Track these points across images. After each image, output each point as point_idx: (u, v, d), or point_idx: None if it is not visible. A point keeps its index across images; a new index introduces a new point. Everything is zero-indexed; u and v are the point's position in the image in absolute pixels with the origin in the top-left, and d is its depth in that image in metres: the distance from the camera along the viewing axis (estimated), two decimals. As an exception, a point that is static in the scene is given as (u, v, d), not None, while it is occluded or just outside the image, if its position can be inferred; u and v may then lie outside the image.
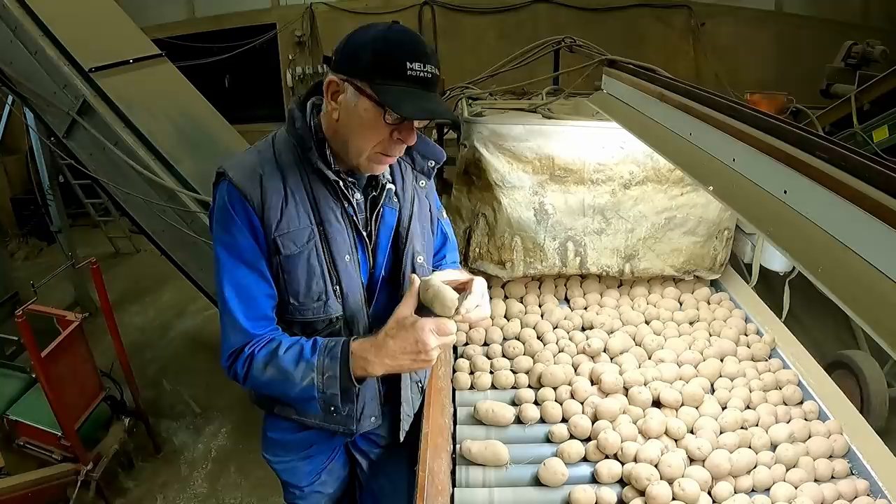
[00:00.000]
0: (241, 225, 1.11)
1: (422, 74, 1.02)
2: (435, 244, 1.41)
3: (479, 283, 1.19)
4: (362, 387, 1.24)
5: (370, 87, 1.02)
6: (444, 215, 1.46)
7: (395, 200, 1.25)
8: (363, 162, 1.11)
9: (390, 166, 1.24)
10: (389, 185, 1.23)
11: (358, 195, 1.20)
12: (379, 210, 1.22)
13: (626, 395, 1.63)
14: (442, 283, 1.14)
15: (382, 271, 1.26)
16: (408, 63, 1.01)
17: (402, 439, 1.42)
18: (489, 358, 1.82)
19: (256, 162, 1.13)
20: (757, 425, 1.56)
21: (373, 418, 1.38)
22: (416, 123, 1.10)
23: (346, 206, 1.18)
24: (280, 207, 1.12)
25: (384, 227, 1.24)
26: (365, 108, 1.04)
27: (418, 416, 1.46)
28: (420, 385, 1.48)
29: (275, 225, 1.11)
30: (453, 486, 1.39)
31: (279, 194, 1.12)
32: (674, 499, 1.32)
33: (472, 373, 1.77)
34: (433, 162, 1.31)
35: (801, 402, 1.67)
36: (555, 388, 1.67)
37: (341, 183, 1.16)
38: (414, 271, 1.27)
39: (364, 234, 1.22)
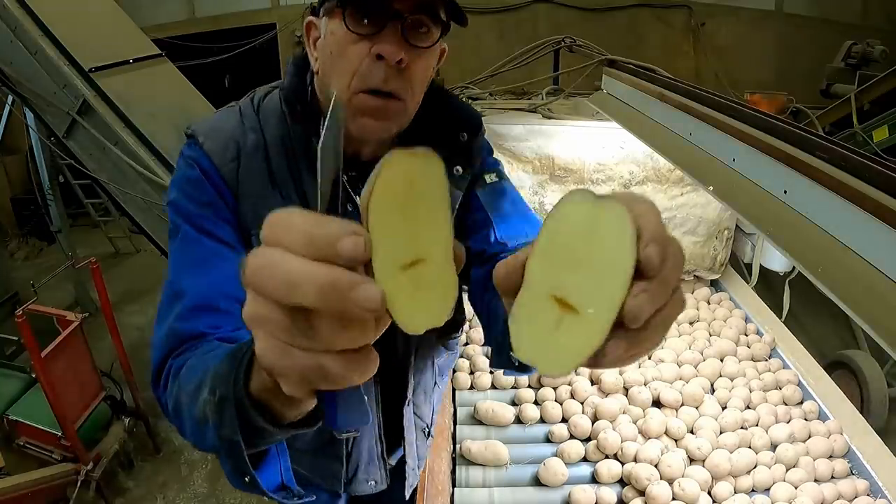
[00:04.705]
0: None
1: None
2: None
3: None
4: (355, 447, 0.97)
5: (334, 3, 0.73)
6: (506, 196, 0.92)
7: None
8: (350, 118, 0.75)
9: None
10: None
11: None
12: None
13: (626, 395, 1.63)
14: None
15: None
16: None
17: (407, 497, 1.17)
18: (489, 358, 1.82)
19: (237, 130, 0.82)
20: (757, 425, 1.56)
21: (373, 482, 1.07)
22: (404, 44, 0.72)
23: (350, 209, 0.80)
24: (260, 196, 0.81)
25: None
26: (332, 31, 0.74)
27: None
28: (427, 431, 1.15)
29: (251, 218, 0.80)
30: (453, 486, 1.39)
31: (261, 180, 0.81)
32: (674, 499, 1.32)
33: (472, 373, 1.77)
34: (465, 134, 0.88)
35: (801, 402, 1.67)
36: (555, 388, 1.67)
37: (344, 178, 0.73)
38: None
39: None
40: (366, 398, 0.42)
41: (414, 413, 1.07)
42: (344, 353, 0.34)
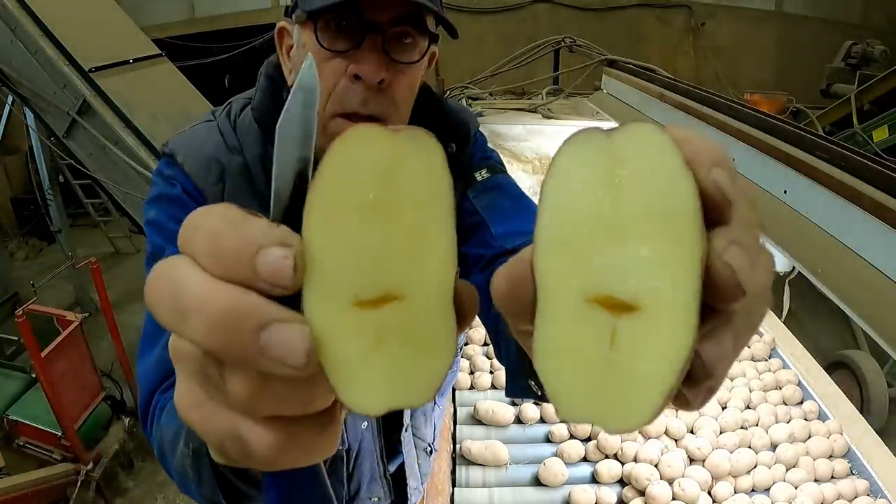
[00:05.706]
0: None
1: None
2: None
3: None
4: (357, 467, 0.93)
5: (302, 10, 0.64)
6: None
7: None
8: (327, 145, 0.54)
9: None
10: None
11: None
12: None
13: (626, 395, 1.63)
14: None
15: None
16: None
17: None
18: (489, 358, 1.82)
19: (220, 150, 0.75)
20: (757, 425, 1.56)
21: (376, 499, 1.04)
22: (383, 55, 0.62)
23: None
24: None
25: None
26: (304, 43, 0.66)
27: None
28: (429, 450, 1.10)
29: None
30: (453, 486, 1.39)
31: (250, 205, 0.58)
32: (674, 499, 1.32)
33: (472, 373, 1.77)
34: (453, 146, 0.76)
35: (801, 402, 1.67)
36: (555, 388, 1.67)
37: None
38: None
39: None
40: (331, 491, 0.28)
41: (413, 435, 1.04)
42: (274, 422, 0.22)
